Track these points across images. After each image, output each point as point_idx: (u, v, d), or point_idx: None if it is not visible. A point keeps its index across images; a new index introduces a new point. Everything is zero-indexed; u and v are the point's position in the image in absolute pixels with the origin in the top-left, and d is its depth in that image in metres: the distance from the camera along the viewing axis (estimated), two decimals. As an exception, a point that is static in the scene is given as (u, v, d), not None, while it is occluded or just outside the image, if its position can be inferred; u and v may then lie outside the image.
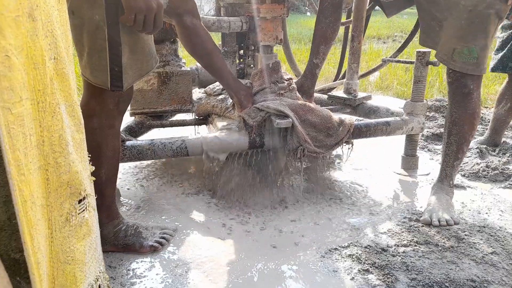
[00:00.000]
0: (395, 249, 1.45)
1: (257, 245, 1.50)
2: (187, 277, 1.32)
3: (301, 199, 1.83)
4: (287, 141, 1.71)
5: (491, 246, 1.46)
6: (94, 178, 0.94)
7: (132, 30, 1.20)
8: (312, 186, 1.93)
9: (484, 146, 2.36)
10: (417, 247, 1.45)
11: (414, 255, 1.41)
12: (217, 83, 2.01)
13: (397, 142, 2.40)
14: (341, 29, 2.99)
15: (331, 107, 2.36)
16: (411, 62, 2.12)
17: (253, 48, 2.20)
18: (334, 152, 2.16)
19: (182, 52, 2.99)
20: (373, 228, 1.60)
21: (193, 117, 2.15)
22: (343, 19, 2.87)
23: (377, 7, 2.24)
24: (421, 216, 1.65)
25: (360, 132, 1.90)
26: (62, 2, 0.81)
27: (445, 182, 1.76)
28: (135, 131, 2.01)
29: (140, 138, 1.99)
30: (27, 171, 0.69)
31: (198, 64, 2.30)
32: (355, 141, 1.91)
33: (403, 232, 1.56)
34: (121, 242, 1.42)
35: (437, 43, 1.67)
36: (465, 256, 1.41)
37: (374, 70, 3.24)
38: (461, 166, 2.10)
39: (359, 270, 1.33)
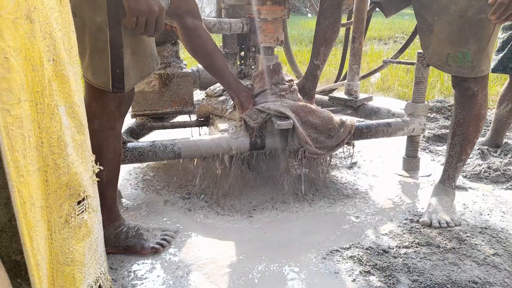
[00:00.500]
0: (396, 250, 1.44)
1: (258, 246, 1.50)
2: (188, 278, 1.32)
3: (301, 200, 1.83)
4: (288, 143, 1.71)
5: (493, 248, 1.45)
6: (98, 179, 0.94)
7: (134, 32, 1.20)
8: (313, 187, 1.93)
9: (486, 147, 2.36)
10: (419, 249, 1.45)
11: (416, 257, 1.40)
12: (218, 84, 2.01)
13: (398, 143, 2.40)
14: (342, 31, 3.00)
15: (332, 108, 2.36)
16: (412, 63, 2.12)
17: (254, 49, 2.20)
18: (335, 154, 2.16)
19: (183, 53, 3.00)
20: (374, 229, 1.60)
21: (195, 118, 2.15)
22: (344, 21, 2.88)
23: (377, 9, 2.23)
24: (421, 218, 1.64)
25: (361, 133, 1.90)
26: (64, 3, 0.81)
27: (447, 183, 1.75)
28: (136, 132, 2.01)
29: (141, 139, 1.99)
30: (26, 172, 0.69)
31: (199, 66, 2.30)
32: (356, 142, 1.91)
33: (404, 233, 1.55)
34: (122, 244, 1.42)
35: (427, 48, 1.66)
36: (467, 257, 1.40)
37: (375, 71, 3.24)
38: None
39: (360, 272, 1.33)
